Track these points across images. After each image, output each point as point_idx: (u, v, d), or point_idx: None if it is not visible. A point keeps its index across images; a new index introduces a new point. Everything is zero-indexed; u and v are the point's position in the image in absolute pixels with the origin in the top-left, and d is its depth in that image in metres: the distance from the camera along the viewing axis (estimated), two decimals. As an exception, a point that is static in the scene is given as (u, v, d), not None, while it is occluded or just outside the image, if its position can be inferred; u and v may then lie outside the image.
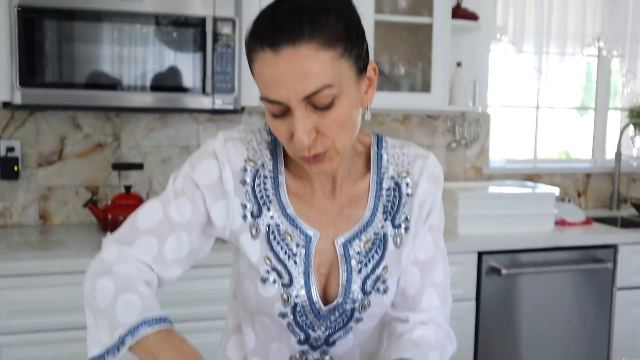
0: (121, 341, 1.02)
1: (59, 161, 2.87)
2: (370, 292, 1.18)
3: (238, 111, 2.65)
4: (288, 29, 1.00)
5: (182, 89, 2.55)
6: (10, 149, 2.77)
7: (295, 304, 1.16)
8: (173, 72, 2.54)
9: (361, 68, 1.07)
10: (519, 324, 2.82)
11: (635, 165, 3.79)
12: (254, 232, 1.16)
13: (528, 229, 2.92)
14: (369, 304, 1.19)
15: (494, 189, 3.18)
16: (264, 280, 1.15)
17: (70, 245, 2.48)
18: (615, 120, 3.87)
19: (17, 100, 2.40)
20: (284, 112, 1.03)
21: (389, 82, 3.14)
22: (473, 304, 2.74)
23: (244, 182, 1.17)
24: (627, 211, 3.63)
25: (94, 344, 1.06)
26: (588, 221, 3.17)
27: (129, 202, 2.67)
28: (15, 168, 2.77)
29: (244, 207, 1.16)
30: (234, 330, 1.31)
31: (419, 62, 3.13)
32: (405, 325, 1.22)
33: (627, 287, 2.95)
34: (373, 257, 1.19)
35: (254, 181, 1.17)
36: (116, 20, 2.46)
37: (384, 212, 1.21)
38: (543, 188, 3.12)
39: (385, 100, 2.96)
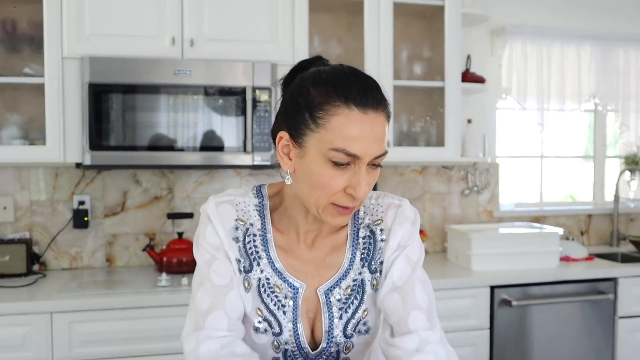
0: None
1: (122, 212, 2.92)
2: (352, 335, 1.17)
3: (275, 166, 2.63)
4: (375, 95, 1.03)
5: (226, 149, 2.57)
6: (81, 203, 2.85)
7: (286, 350, 1.15)
8: (219, 134, 2.57)
9: None
10: (530, 350, 2.78)
11: (632, 206, 3.76)
12: (246, 285, 1.15)
13: (536, 265, 2.89)
14: (352, 345, 1.18)
15: (504, 229, 3.12)
16: (256, 329, 1.14)
17: (131, 284, 2.49)
18: (614, 166, 3.85)
19: (87, 161, 2.46)
20: (346, 164, 1.03)
21: (407, 138, 3.16)
22: (487, 332, 2.71)
23: (236, 240, 1.15)
24: (626, 247, 3.58)
25: None
26: (590, 257, 3.14)
27: (182, 246, 2.72)
28: (86, 218, 2.84)
29: (238, 262, 1.15)
30: None
31: (434, 120, 3.15)
32: (398, 351, 1.11)
33: (627, 316, 2.91)
34: (353, 302, 1.17)
35: (244, 239, 1.15)
36: (171, 92, 2.50)
37: (361, 259, 1.19)
38: (548, 228, 3.08)
39: (404, 154, 2.98)
